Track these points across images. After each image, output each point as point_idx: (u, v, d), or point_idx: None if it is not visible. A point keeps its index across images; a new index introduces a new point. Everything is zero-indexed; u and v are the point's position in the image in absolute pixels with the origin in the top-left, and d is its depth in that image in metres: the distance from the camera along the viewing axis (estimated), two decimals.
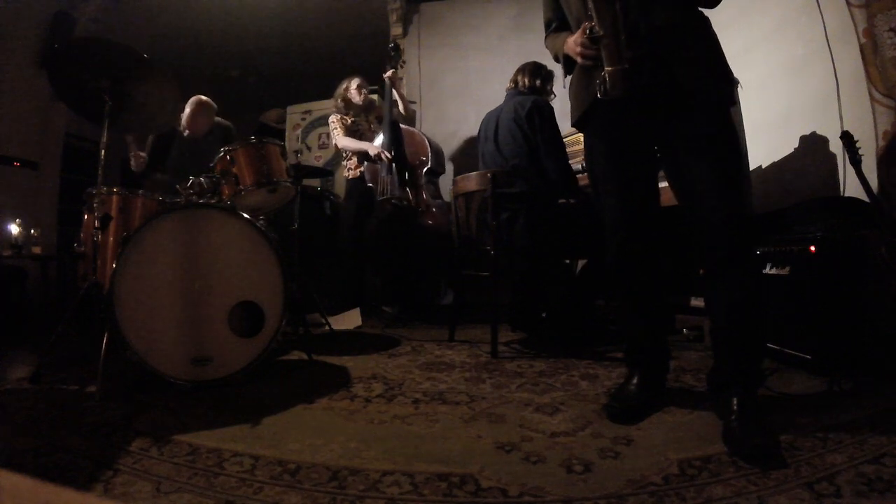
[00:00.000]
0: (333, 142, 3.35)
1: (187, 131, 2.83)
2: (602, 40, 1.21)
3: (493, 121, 2.47)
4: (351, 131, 3.30)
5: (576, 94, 1.46)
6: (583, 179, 2.77)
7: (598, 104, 1.32)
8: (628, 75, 1.20)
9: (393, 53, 3.28)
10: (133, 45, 1.89)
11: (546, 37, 1.58)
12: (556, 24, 1.53)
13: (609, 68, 1.21)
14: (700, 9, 1.32)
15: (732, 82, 1.31)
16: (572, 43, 1.32)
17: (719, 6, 1.34)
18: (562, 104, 2.61)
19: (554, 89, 2.63)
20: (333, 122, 3.31)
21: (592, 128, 1.45)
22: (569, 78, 1.49)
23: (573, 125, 1.49)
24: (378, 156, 3.06)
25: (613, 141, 1.39)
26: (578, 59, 1.33)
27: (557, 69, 1.57)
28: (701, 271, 1.35)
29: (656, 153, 1.41)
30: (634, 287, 1.44)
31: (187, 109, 2.81)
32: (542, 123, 2.30)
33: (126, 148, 2.66)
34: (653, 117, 1.32)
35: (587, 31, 1.23)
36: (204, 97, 2.86)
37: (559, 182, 2.33)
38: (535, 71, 2.50)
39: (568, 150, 2.53)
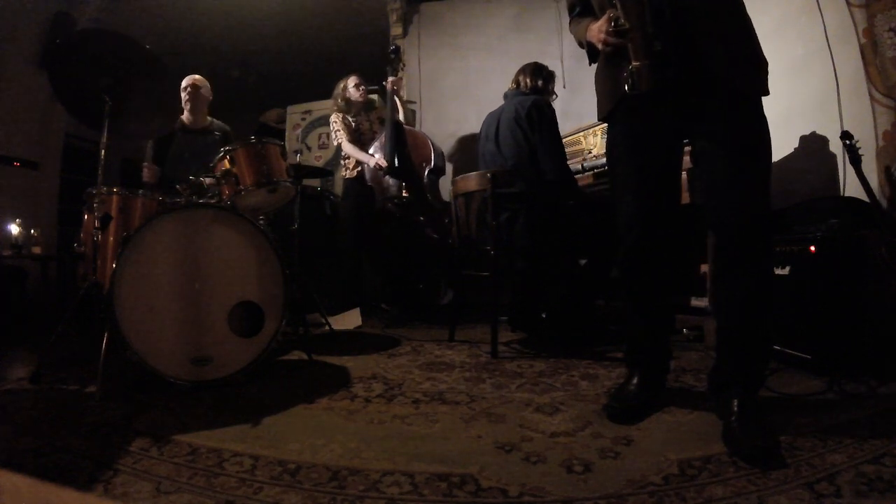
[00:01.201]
0: (336, 142, 3.34)
1: (186, 110, 2.74)
2: (628, 33, 1.16)
3: (494, 121, 2.47)
4: (353, 133, 3.30)
5: (603, 89, 1.41)
6: (582, 180, 2.78)
7: (624, 97, 1.27)
8: (657, 69, 1.15)
9: (393, 56, 3.28)
10: None
11: (570, 22, 1.52)
12: (581, 9, 1.47)
13: (636, 63, 1.15)
14: None
15: (766, 70, 1.24)
16: (596, 31, 1.27)
17: None
18: (563, 104, 2.63)
19: (555, 89, 2.64)
20: (335, 122, 3.30)
21: (616, 122, 1.40)
22: (576, 75, 1.47)
23: (600, 119, 1.45)
24: (378, 166, 3.06)
25: (635, 136, 1.34)
26: (601, 47, 1.27)
27: (559, 69, 1.56)
28: (702, 269, 1.35)
29: (680, 150, 1.37)
30: (639, 287, 1.41)
31: (183, 86, 2.72)
32: (540, 122, 2.30)
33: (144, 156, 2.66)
34: (679, 110, 1.27)
35: (612, 23, 1.18)
36: (196, 76, 2.80)
37: (557, 182, 2.33)
38: (537, 71, 2.50)
39: (567, 150, 2.54)
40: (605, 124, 1.49)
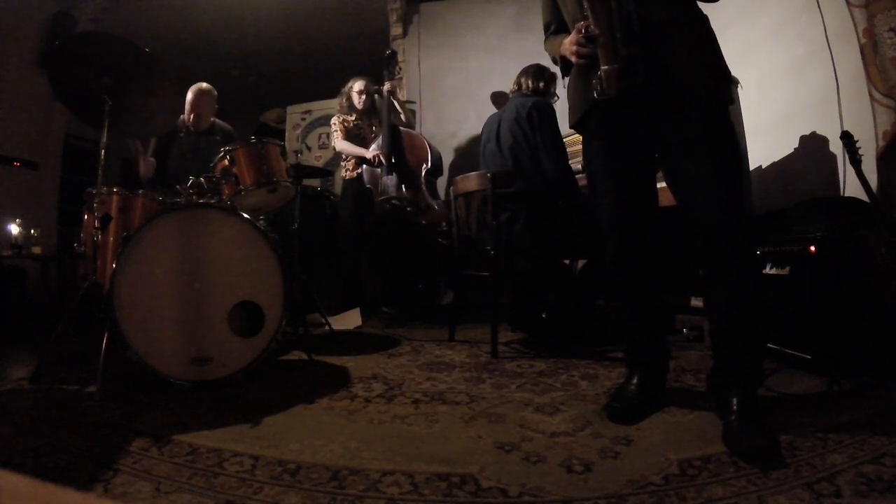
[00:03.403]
0: (332, 143, 3.37)
1: (191, 118, 2.77)
2: (598, 39, 1.21)
3: (496, 121, 2.48)
4: (352, 135, 3.31)
5: (574, 97, 1.46)
6: (582, 180, 2.78)
7: (595, 105, 1.31)
8: (624, 74, 1.20)
9: (389, 61, 3.29)
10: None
11: (545, 39, 1.58)
12: (555, 27, 1.53)
13: (605, 67, 1.21)
14: (700, 4, 1.31)
15: (730, 80, 1.31)
16: (568, 43, 1.32)
17: (719, 5, 1.33)
18: (563, 104, 2.62)
19: (556, 92, 2.64)
20: (335, 123, 3.34)
21: (590, 129, 1.44)
22: (567, 79, 1.49)
23: (571, 127, 1.49)
24: (375, 158, 3.07)
25: (611, 142, 1.39)
26: (573, 59, 1.32)
27: (558, 69, 1.57)
28: (700, 272, 1.35)
29: (654, 154, 1.40)
30: (632, 288, 1.44)
31: (189, 96, 2.75)
32: (541, 123, 2.31)
33: (131, 152, 2.64)
34: (650, 117, 1.31)
35: (582, 31, 1.24)
36: (204, 84, 2.81)
37: (557, 184, 2.33)
38: (538, 73, 2.50)
39: (568, 150, 2.54)
40: None
